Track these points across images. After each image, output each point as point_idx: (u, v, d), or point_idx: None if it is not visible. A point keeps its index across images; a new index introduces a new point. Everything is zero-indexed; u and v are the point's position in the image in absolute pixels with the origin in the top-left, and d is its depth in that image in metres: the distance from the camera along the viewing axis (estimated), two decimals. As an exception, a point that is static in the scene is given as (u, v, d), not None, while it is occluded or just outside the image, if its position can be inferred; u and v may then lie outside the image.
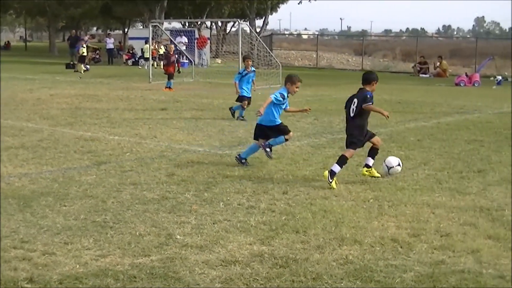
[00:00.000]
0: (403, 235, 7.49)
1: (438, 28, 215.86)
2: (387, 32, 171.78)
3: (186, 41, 47.98)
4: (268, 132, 11.62)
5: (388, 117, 10.38)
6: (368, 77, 10.49)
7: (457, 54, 58.20)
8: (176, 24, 65.13)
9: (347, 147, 10.39)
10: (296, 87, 11.50)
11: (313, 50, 58.10)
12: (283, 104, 11.63)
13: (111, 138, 14.23)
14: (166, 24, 55.82)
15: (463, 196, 9.44)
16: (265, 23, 54.74)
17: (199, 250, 6.88)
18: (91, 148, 12.89)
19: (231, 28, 72.04)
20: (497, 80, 34.25)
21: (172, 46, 30.66)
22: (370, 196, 9.34)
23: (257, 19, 58.19)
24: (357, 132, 10.32)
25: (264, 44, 39.49)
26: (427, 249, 7.02)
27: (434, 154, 12.73)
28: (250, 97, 18.28)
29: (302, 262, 6.54)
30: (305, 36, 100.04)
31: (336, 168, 10.03)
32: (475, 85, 33.02)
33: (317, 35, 77.75)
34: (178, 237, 7.32)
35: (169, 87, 27.27)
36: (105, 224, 7.78)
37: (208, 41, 51.70)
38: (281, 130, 11.69)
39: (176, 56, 30.55)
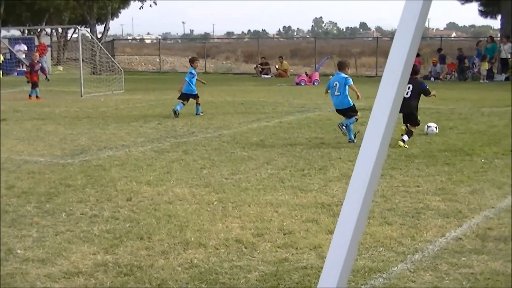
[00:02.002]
0: (247, 235, 7.57)
1: (279, 29, 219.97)
2: (229, 34, 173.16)
3: (26, 49, 46.60)
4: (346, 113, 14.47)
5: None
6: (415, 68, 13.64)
7: (297, 54, 59.56)
8: (16, 32, 63.19)
9: None
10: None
11: (156, 55, 57.91)
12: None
13: None
14: (4, 32, 54.04)
15: (305, 193, 9.65)
16: (106, 29, 53.87)
17: (41, 263, 6.69)
18: None
19: (72, 34, 70.62)
20: (335, 78, 35.21)
21: (37, 54, 29.83)
22: (214, 198, 9.38)
23: (98, 24, 57.23)
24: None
25: (105, 50, 38.93)
26: (271, 248, 7.12)
27: (276, 154, 12.94)
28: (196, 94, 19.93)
29: (147, 268, 6.48)
30: (148, 41, 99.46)
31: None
32: (315, 83, 33.81)
33: (160, 39, 77.54)
34: (19, 251, 7.09)
35: (36, 96, 26.49)
36: None
37: (48, 49, 50.47)
38: (354, 110, 14.44)
39: (41, 64, 29.56)
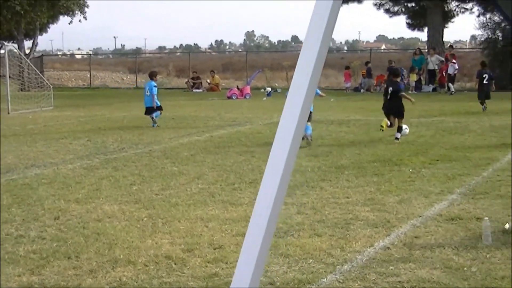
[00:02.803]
0: (177, 251, 7.53)
1: (211, 43, 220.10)
2: (161, 49, 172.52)
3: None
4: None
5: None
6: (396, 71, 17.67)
7: (229, 68, 59.61)
8: None
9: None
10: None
11: (87, 70, 57.31)
12: None
13: None
14: None
15: (236, 207, 9.64)
16: (34, 44, 53.07)
17: (-36, 286, 6.55)
18: None
19: (-1, 50, 69.47)
20: (267, 91, 35.34)
21: None
22: (144, 214, 9.31)
23: (26, 40, 56.33)
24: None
25: (34, 66, 38.37)
26: (201, 263, 7.09)
27: (207, 168, 12.92)
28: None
29: (74, 288, 6.40)
30: (78, 56, 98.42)
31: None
32: (247, 97, 33.89)
33: (90, 54, 76.87)
34: None
35: None
36: None
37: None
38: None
39: None
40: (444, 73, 34.79)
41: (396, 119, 16.13)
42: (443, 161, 12.99)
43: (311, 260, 7.11)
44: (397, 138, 15.69)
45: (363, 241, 7.78)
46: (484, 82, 23.10)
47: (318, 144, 15.65)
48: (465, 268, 6.71)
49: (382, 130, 16.33)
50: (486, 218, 7.85)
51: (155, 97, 21.04)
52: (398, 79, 17.45)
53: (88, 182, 11.78)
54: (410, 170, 12.18)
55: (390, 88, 16.26)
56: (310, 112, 17.44)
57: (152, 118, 20.75)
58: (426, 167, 12.41)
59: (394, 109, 16.11)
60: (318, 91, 17.33)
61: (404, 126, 16.38)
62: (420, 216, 8.88)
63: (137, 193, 10.78)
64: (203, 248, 7.66)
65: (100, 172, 12.74)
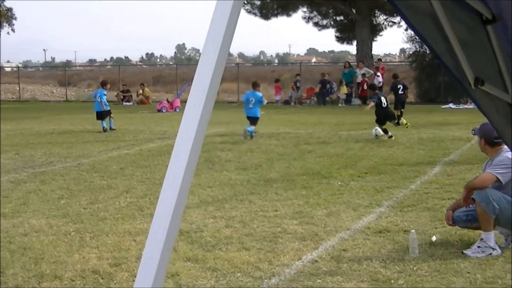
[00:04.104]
0: (104, 265, 7.46)
1: (142, 56, 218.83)
2: (91, 61, 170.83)
3: None
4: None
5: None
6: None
7: (160, 80, 59.46)
8: None
9: None
10: None
11: (16, 83, 56.40)
12: None
13: None
14: None
15: (164, 221, 9.57)
16: (-39, 56, 52.30)
17: None
18: None
19: None
20: (197, 104, 35.30)
21: None
22: (72, 228, 9.20)
23: (-48, 52, 55.45)
24: None
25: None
26: (128, 278, 7.04)
27: (136, 181, 12.83)
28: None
29: (-2, 304, 6.29)
30: (7, 69, 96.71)
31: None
32: (177, 110, 33.80)
33: (20, 67, 75.70)
34: None
35: None
36: None
37: None
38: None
39: None
40: (365, 86, 35.27)
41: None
42: (371, 174, 13.15)
43: (239, 274, 7.12)
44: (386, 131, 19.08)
45: (291, 255, 7.81)
46: (400, 92, 23.83)
47: (247, 157, 15.70)
48: (392, 281, 6.79)
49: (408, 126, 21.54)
50: (413, 230, 7.97)
51: (104, 102, 23.73)
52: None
53: (15, 196, 11.58)
54: (339, 183, 12.30)
55: (383, 97, 19.50)
56: (257, 118, 20.08)
57: (102, 123, 23.19)
58: (355, 180, 12.55)
59: (389, 113, 19.77)
60: (263, 100, 20.52)
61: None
62: (348, 229, 8.96)
63: (65, 207, 10.65)
64: (130, 262, 7.60)
65: (28, 186, 12.55)
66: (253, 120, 19.87)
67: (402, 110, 23.62)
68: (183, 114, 1.89)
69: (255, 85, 20.50)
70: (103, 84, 25.21)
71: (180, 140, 1.93)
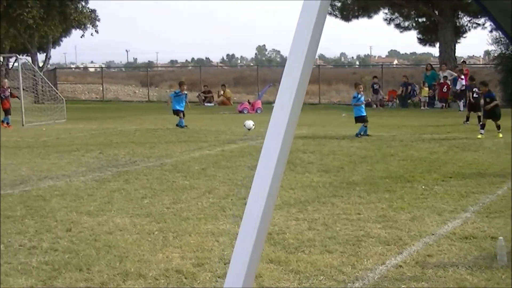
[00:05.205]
0: (188, 265, 7.50)
1: (223, 57, 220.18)
2: (173, 62, 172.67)
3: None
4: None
5: None
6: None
7: (240, 82, 59.67)
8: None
9: None
10: None
11: (99, 83, 57.41)
12: None
13: None
14: None
15: (247, 222, 9.57)
16: (48, 57, 53.31)
17: (-25, 297, 6.55)
18: None
19: (13, 63, 69.66)
20: (278, 106, 35.29)
21: (6, 80, 29.16)
22: (155, 228, 9.29)
23: (40, 53, 56.56)
24: None
25: (47, 79, 38.53)
26: (211, 278, 7.06)
27: (218, 182, 12.89)
28: (183, 111, 25.12)
29: (84, 301, 6.38)
30: (91, 69, 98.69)
31: None
32: (258, 111, 33.83)
33: (103, 67, 77.10)
34: (-47, 285, 6.93)
35: (7, 123, 26.64)
36: None
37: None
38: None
39: (9, 90, 28.77)
40: (444, 89, 34.67)
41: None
42: (456, 178, 12.90)
43: (322, 277, 7.07)
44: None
45: (374, 259, 7.72)
46: (474, 96, 23.36)
47: (329, 159, 15.61)
48: (479, 288, 6.64)
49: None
50: (501, 237, 7.75)
51: (170, 99, 25.84)
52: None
53: (99, 195, 11.78)
54: (423, 187, 12.11)
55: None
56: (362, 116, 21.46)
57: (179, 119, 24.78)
58: (439, 184, 12.33)
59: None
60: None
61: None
62: (433, 234, 8.81)
63: (148, 206, 10.77)
64: (213, 262, 7.63)
65: (112, 185, 12.75)
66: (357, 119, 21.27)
67: (479, 114, 23.13)
68: (271, 116, 1.86)
69: (356, 86, 22.02)
70: (179, 85, 26.38)
71: (268, 142, 1.91)
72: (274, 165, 1.85)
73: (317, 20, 1.84)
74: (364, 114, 21.16)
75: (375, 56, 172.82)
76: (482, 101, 22.41)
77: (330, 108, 36.41)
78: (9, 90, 28.05)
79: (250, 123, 22.84)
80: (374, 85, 38.13)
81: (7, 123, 26.71)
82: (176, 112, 25.12)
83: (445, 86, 34.79)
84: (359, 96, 21.25)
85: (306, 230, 9.06)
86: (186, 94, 26.21)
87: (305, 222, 9.52)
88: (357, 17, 44.49)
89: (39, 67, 47.89)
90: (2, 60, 67.13)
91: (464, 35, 43.53)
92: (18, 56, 32.48)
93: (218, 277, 7.06)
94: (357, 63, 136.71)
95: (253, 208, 1.86)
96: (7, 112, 27.02)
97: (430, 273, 7.14)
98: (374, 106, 37.20)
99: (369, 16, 44.84)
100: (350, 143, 19.04)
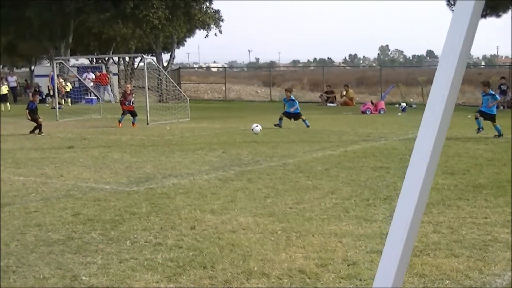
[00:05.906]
0: (311, 265, 7.50)
1: (345, 57, 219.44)
2: (295, 62, 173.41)
3: (93, 77, 47.60)
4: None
5: None
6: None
7: (363, 82, 59.32)
8: (84, 60, 64.45)
9: None
10: None
11: (222, 83, 58.26)
12: None
13: (16, 178, 13.91)
14: (73, 61, 55.20)
15: (370, 223, 9.52)
16: (172, 57, 54.55)
17: (104, 291, 6.74)
18: (-6, 190, 12.56)
19: (138, 63, 71.60)
20: (401, 107, 34.94)
21: (129, 85, 29.99)
22: (278, 227, 9.33)
23: (164, 53, 57.99)
24: None
25: (171, 78, 39.41)
26: (335, 279, 7.03)
27: (341, 183, 12.84)
28: (294, 113, 25.87)
29: (209, 298, 6.47)
30: (214, 69, 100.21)
31: None
32: (381, 112, 33.56)
33: (226, 67, 78.14)
34: (84, 278, 7.15)
35: (132, 123, 27.53)
36: (7, 269, 7.55)
37: (114, 77, 51.57)
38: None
39: (133, 95, 29.63)
40: None
41: None
42: None
43: (447, 281, 6.93)
44: None
45: (502, 264, 7.51)
46: None
47: (454, 161, 15.30)
48: None
49: None
50: None
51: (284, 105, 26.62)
52: None
53: (223, 194, 11.94)
54: (553, 191, 11.71)
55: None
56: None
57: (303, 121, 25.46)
58: None
59: None
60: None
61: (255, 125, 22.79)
62: None
63: (271, 206, 10.84)
64: (337, 263, 7.59)
65: (235, 184, 12.89)
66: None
67: None
68: (422, 118, 1.83)
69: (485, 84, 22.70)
70: (286, 91, 27.48)
71: (419, 145, 1.88)
72: (425, 169, 1.83)
73: (471, 21, 1.81)
74: (495, 113, 21.34)
75: (502, 56, 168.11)
76: None
77: (455, 109, 35.36)
78: (133, 95, 28.64)
79: (257, 129, 22.74)
80: (502, 86, 37.13)
81: (132, 123, 27.36)
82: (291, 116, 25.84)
83: None
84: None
85: (431, 233, 8.90)
86: (293, 99, 26.41)
87: (430, 224, 9.36)
88: (484, 16, 43.43)
89: (163, 66, 49.01)
90: (127, 59, 69.14)
91: None
92: (144, 56, 33.32)
93: (342, 278, 7.03)
94: (483, 63, 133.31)
95: (404, 210, 1.85)
96: (133, 113, 27.62)
97: (561, 281, 6.90)
98: (502, 107, 36.19)
99: (498, 15, 43.71)
100: (476, 145, 18.61)
